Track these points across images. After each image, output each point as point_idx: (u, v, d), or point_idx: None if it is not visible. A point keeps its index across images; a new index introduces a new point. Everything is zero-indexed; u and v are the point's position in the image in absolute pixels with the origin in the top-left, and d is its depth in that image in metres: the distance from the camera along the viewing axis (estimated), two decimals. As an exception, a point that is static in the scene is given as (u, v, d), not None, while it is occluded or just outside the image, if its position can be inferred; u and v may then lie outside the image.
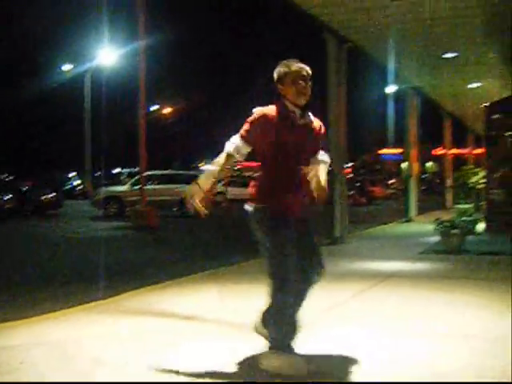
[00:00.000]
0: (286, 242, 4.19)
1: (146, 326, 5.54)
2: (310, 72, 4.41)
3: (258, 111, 4.34)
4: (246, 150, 4.34)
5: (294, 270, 4.16)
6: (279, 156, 4.31)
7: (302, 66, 4.40)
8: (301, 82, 4.32)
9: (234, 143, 4.32)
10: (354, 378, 4.03)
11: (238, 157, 4.35)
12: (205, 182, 4.32)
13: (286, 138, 4.27)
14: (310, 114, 4.44)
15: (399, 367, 4.25)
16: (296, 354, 4.15)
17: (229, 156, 4.33)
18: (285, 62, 4.41)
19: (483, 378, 3.99)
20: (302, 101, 4.34)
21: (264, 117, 4.29)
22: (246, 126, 4.32)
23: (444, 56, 15.71)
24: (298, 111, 4.34)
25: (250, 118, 4.33)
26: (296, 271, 4.18)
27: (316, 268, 4.37)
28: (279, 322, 4.15)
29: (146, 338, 5.11)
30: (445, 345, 4.83)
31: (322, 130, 4.55)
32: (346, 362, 4.36)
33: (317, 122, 4.50)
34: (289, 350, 4.14)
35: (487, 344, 4.83)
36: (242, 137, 4.31)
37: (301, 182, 4.31)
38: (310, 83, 4.38)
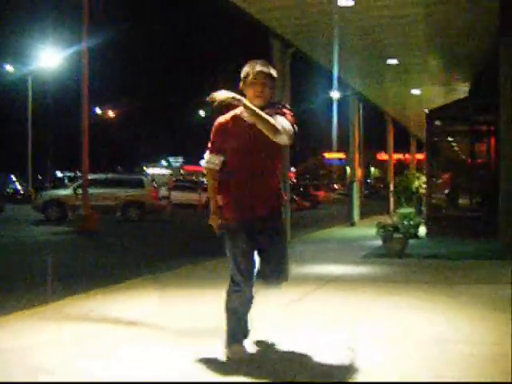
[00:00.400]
0: (235, 248, 4.42)
1: (88, 331, 5.46)
2: (272, 74, 4.47)
3: (216, 122, 4.55)
4: (218, 159, 4.50)
5: (243, 273, 4.39)
6: (235, 160, 4.46)
7: (264, 69, 4.45)
8: (258, 85, 4.41)
9: (205, 158, 4.55)
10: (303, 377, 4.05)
11: (214, 166, 4.52)
12: (214, 205, 4.50)
13: (238, 139, 4.42)
14: (271, 107, 4.46)
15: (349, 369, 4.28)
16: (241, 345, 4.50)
17: (208, 171, 4.55)
18: (252, 62, 4.49)
19: (442, 379, 4.03)
20: (258, 102, 4.40)
21: (219, 125, 4.52)
22: (211, 139, 4.54)
23: (386, 63, 15.97)
24: None
25: (212, 131, 4.55)
26: (247, 274, 4.40)
27: (272, 273, 4.55)
28: (227, 319, 4.49)
29: (88, 343, 5.04)
30: (393, 347, 4.88)
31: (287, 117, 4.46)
32: (294, 364, 4.38)
33: (280, 112, 4.46)
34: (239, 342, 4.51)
35: (437, 347, 4.87)
36: (209, 150, 4.54)
37: (261, 188, 4.46)
38: (270, 85, 4.46)
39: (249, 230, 4.42)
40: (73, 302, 6.90)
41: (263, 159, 4.46)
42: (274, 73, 4.49)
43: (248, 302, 4.50)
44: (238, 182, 4.45)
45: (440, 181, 16.36)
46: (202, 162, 4.60)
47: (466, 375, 4.16)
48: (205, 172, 4.64)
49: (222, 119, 4.52)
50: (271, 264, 4.54)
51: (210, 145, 4.53)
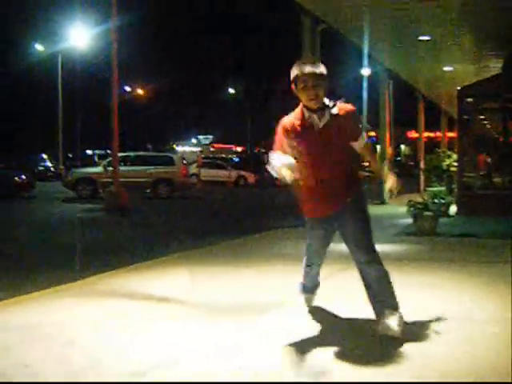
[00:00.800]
0: (311, 240, 4.82)
1: (119, 307, 5.51)
2: (323, 73, 4.35)
3: (280, 123, 4.50)
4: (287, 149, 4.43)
5: (312, 261, 4.96)
6: (304, 162, 4.46)
7: (315, 69, 4.31)
8: (311, 88, 4.29)
9: (272, 158, 4.40)
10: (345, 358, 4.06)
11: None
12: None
13: (307, 144, 4.40)
14: (332, 106, 4.41)
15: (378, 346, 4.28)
16: None
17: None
18: (300, 62, 4.38)
19: (474, 358, 4.02)
20: (314, 106, 4.36)
21: (283, 128, 4.46)
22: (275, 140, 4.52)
23: (419, 39, 15.75)
24: (314, 114, 4.39)
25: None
26: (314, 261, 4.96)
27: (362, 257, 4.56)
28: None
29: (119, 319, 5.09)
30: (427, 326, 4.84)
31: (349, 113, 4.44)
32: (330, 342, 4.39)
33: (342, 109, 4.43)
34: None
35: (467, 325, 4.86)
36: (274, 150, 4.47)
37: (335, 181, 4.46)
38: (324, 85, 4.35)
39: (323, 226, 4.65)
40: (104, 279, 6.98)
41: (333, 159, 4.45)
42: (324, 70, 4.38)
43: (315, 275, 5.10)
44: (310, 183, 4.51)
45: (471, 159, 16.13)
46: (272, 164, 4.36)
47: (494, 353, 4.16)
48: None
49: (285, 122, 4.47)
50: (355, 246, 4.59)
51: (274, 147, 4.48)
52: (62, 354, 4.17)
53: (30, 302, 5.84)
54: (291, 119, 4.46)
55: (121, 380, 3.66)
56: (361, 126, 4.60)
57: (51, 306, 5.66)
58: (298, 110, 4.47)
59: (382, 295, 4.46)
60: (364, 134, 4.51)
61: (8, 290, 6.54)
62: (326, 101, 4.42)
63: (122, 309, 5.47)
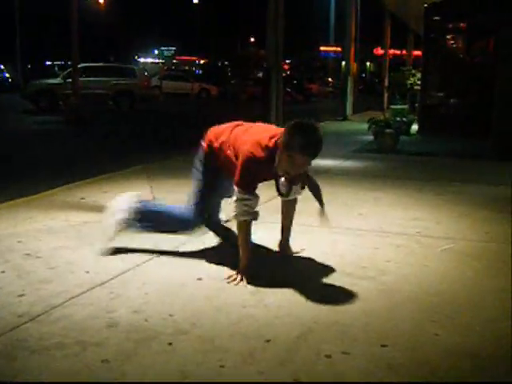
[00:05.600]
0: None
1: (80, 220, 5.51)
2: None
3: None
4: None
5: None
6: None
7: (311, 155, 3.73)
8: (303, 167, 3.85)
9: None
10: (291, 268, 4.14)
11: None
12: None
13: None
14: None
15: (338, 261, 4.38)
16: None
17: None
18: (314, 136, 3.75)
19: (424, 272, 4.16)
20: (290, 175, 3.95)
21: None
22: None
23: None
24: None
25: None
26: None
27: None
28: None
29: (81, 232, 5.10)
30: (371, 240, 4.98)
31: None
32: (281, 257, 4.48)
33: None
34: None
35: (417, 242, 4.98)
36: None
37: None
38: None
39: None
40: (64, 191, 6.94)
41: None
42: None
43: None
44: None
45: (435, 78, 16.12)
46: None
47: (441, 266, 4.32)
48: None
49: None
50: None
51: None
52: (22, 264, 4.19)
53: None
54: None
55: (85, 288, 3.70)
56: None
57: (10, 218, 5.62)
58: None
59: None
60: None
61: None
62: None
63: (83, 221, 5.46)
